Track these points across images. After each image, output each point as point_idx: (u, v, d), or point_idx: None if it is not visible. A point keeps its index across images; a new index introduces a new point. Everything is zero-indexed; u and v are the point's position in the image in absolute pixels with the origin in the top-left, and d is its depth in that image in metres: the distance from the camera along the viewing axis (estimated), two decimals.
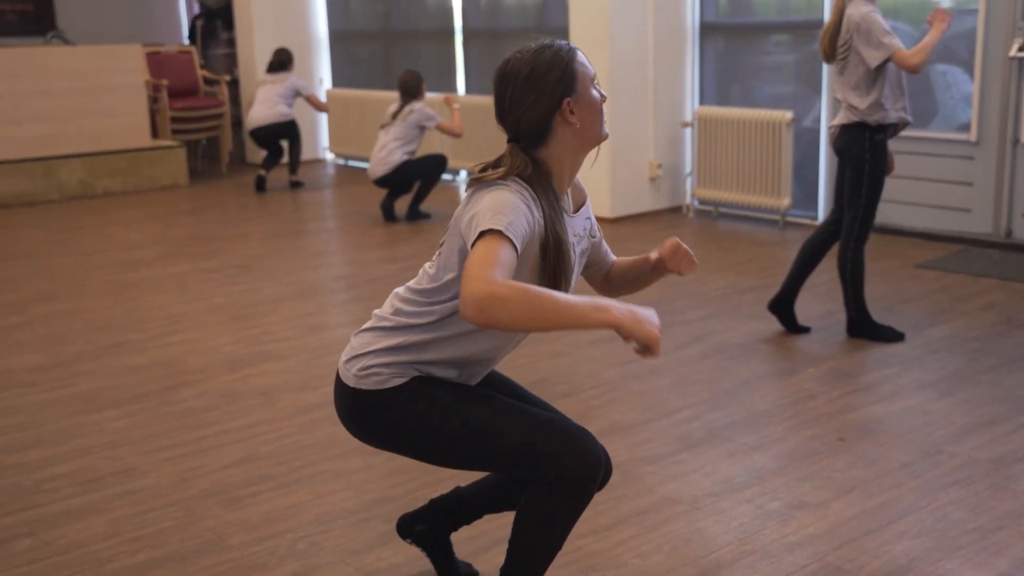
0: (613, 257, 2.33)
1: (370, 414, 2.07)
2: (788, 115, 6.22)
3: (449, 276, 2.01)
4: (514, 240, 1.81)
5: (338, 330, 4.65)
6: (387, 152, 6.85)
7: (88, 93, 8.08)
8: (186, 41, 10.76)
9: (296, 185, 8.33)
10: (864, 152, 4.10)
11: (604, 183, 6.62)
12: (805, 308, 4.64)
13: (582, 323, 1.74)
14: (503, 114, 2.01)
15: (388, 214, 6.95)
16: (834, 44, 4.14)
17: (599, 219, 6.64)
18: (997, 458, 3.09)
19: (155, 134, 8.77)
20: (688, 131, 6.87)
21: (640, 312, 1.78)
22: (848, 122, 4.13)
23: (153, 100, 8.77)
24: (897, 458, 3.11)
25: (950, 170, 5.83)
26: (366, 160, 9.23)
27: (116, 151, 8.20)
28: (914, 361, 3.99)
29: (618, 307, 1.76)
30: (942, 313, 4.59)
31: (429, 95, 7.31)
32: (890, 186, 5.93)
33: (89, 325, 4.75)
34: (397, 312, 2.08)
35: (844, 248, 4.23)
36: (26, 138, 7.84)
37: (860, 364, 4.00)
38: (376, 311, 2.14)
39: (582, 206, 2.15)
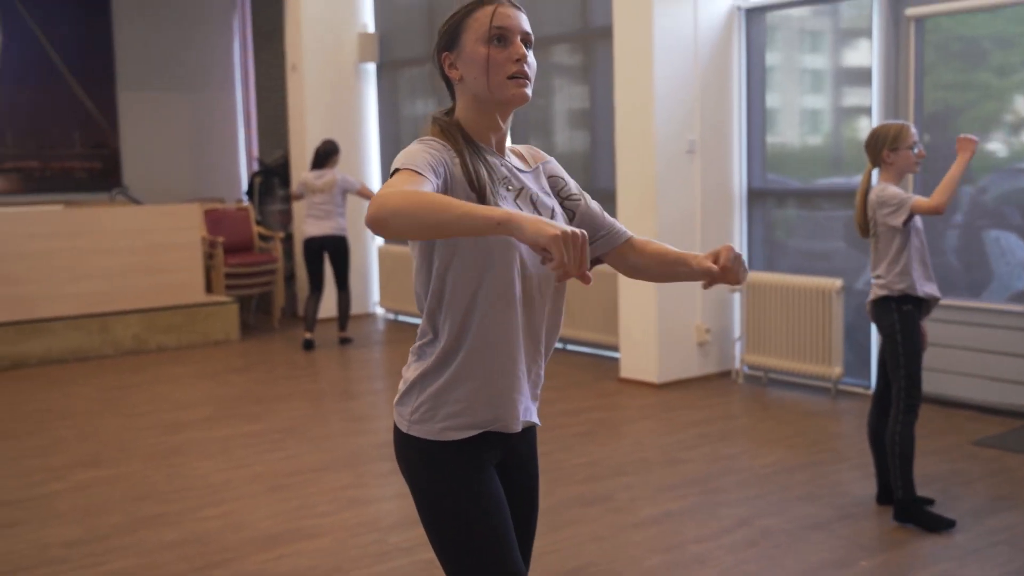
0: (627, 232, 2.16)
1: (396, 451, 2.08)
2: (838, 283, 6.16)
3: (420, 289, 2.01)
4: (415, 168, 1.79)
5: (375, 505, 4.57)
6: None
7: (147, 251, 8.28)
8: (244, 197, 11.05)
9: (345, 342, 8.36)
10: (894, 324, 4.09)
11: (651, 347, 6.56)
12: (859, 487, 4.49)
13: (470, 218, 1.62)
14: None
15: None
16: (866, 219, 4.18)
17: (645, 384, 6.58)
18: None
19: (209, 289, 8.93)
20: (737, 296, 6.82)
21: (544, 219, 1.62)
22: (876, 297, 4.15)
23: (209, 256, 8.96)
24: None
25: (1007, 342, 5.70)
26: (418, 316, 9.30)
27: (170, 307, 8.35)
28: (973, 555, 3.80)
29: (518, 212, 1.64)
30: (1003, 499, 4.40)
31: None
32: (946, 357, 5.82)
33: (128, 494, 4.73)
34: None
35: (893, 423, 4.13)
36: (84, 294, 8.02)
37: (915, 556, 3.83)
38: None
39: (538, 165, 2.11)
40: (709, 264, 2.00)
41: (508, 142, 2.08)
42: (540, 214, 2.00)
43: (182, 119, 11.46)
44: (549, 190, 2.09)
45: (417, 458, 1.99)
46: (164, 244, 8.38)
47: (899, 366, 4.10)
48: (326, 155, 8.10)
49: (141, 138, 11.14)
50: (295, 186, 8.26)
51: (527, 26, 1.97)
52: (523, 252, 1.92)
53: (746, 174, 6.87)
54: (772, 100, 6.83)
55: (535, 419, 2.07)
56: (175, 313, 8.36)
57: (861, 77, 6.38)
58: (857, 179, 6.35)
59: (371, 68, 9.78)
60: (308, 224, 8.08)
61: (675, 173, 6.54)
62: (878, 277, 4.13)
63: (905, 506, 4.11)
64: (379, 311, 9.91)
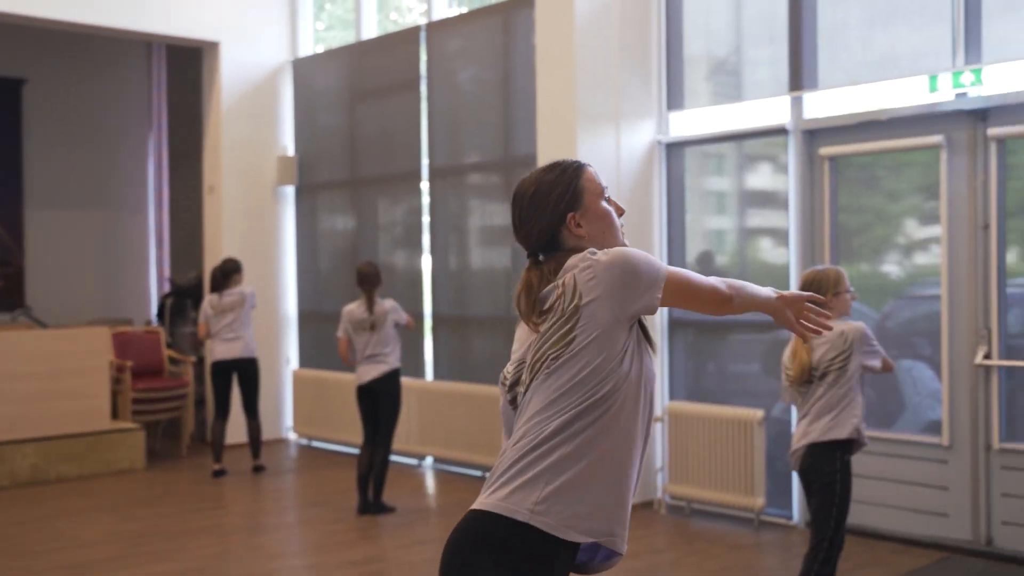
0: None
1: None
2: (759, 414, 6.19)
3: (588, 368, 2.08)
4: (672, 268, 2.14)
5: None
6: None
7: (51, 377, 7.96)
8: (154, 318, 10.78)
9: (259, 470, 8.08)
10: (836, 471, 4.10)
11: None
12: None
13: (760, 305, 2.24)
14: (516, 230, 2.23)
15: (364, 503, 6.68)
16: (811, 368, 4.20)
17: None
18: None
19: (115, 415, 8.60)
20: (659, 426, 6.81)
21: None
22: (818, 441, 4.16)
23: (116, 381, 8.66)
24: None
25: (924, 473, 5.77)
26: (332, 442, 9.09)
27: (73, 435, 8.00)
28: None
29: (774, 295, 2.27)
30: None
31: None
32: (868, 487, 5.85)
33: None
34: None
35: (807, 571, 4.11)
36: None
37: None
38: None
39: None
40: None
41: None
42: None
43: (91, 238, 11.21)
44: None
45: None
46: (70, 369, 8.06)
47: (831, 516, 4.10)
48: (226, 275, 7.89)
49: (48, 257, 10.85)
50: (201, 319, 7.94)
51: None
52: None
53: None
54: (692, 228, 6.95)
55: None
56: (77, 441, 8.00)
57: (778, 204, 6.54)
58: None
59: (290, 191, 9.74)
60: (217, 345, 7.87)
61: None
62: (823, 420, 4.14)
63: None
64: (292, 436, 9.66)
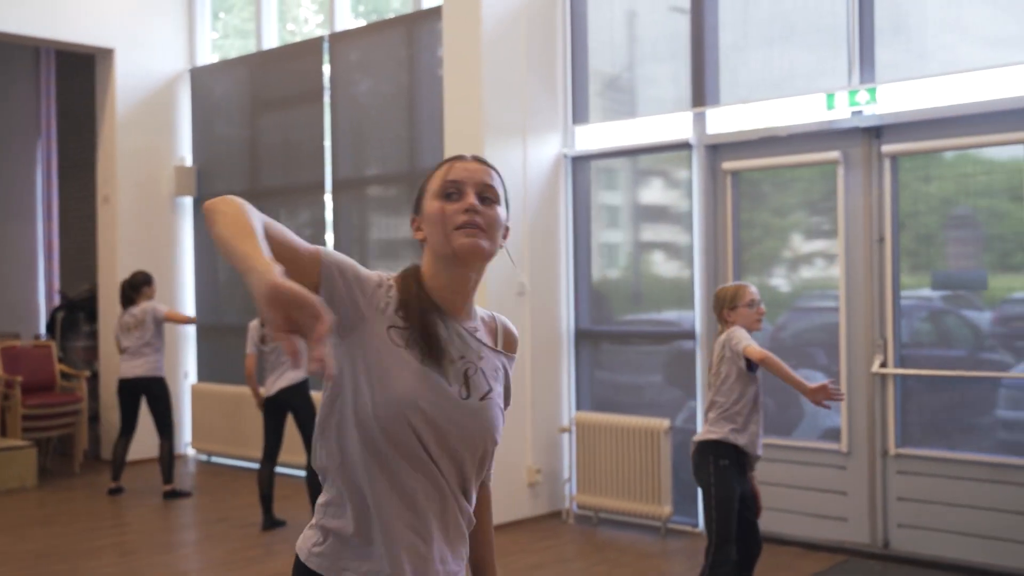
0: (489, 475, 2.04)
1: None
2: (665, 423, 6.31)
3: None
4: (323, 255, 1.79)
5: None
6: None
7: None
8: (43, 332, 10.43)
9: (172, 495, 7.61)
10: (709, 476, 4.29)
11: None
12: None
13: (241, 267, 1.56)
14: None
15: (269, 520, 6.57)
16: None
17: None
18: None
19: (3, 432, 8.30)
20: (566, 436, 6.88)
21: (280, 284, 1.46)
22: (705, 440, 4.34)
23: (4, 396, 8.35)
24: None
25: (824, 479, 5.95)
26: (232, 457, 8.92)
27: None
28: None
29: (273, 275, 1.48)
30: None
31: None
32: (770, 493, 6.01)
33: None
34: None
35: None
36: None
37: None
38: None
39: (504, 347, 2.04)
40: None
41: (490, 313, 2.05)
42: (471, 389, 1.91)
43: None
44: (492, 369, 1.98)
45: None
46: None
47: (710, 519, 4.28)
48: (134, 288, 7.61)
49: None
50: (116, 332, 7.68)
51: (490, 180, 1.94)
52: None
53: (574, 314, 7.01)
54: (597, 242, 7.05)
55: None
56: None
57: (681, 219, 6.68)
58: (670, 315, 6.65)
59: (188, 201, 9.55)
60: (123, 363, 7.59)
61: (506, 315, 6.58)
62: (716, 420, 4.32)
63: None
64: (190, 452, 9.45)
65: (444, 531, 1.87)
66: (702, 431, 4.38)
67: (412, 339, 1.85)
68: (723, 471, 4.24)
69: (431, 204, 1.92)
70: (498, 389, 1.97)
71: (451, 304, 1.93)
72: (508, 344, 2.06)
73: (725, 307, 4.38)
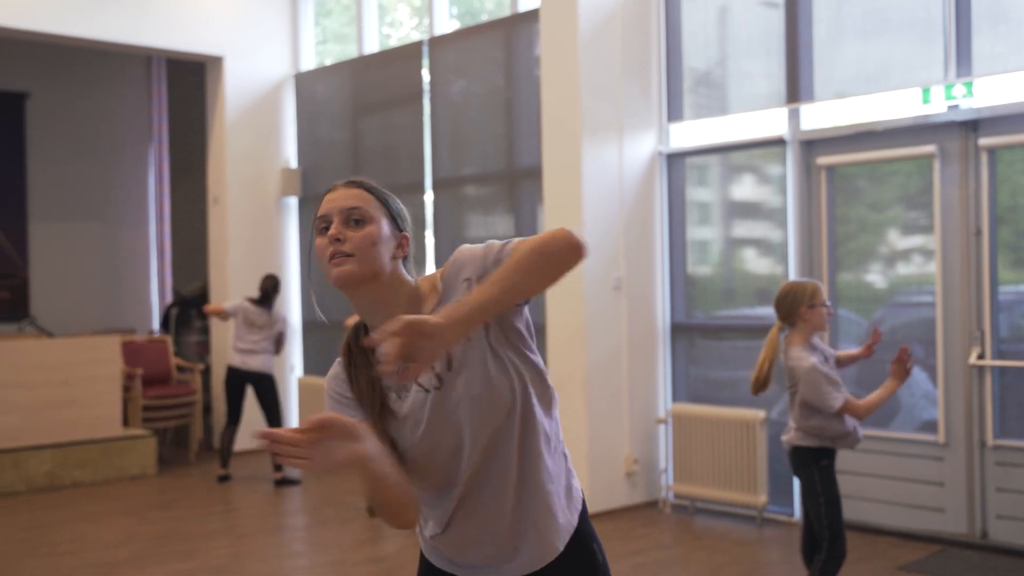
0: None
1: None
2: (761, 414, 6.41)
3: None
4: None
5: None
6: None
7: (64, 385, 8.11)
8: (157, 329, 10.93)
9: (284, 483, 8.03)
10: (813, 476, 4.30)
11: (582, 479, 6.68)
12: None
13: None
14: None
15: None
16: (768, 377, 4.34)
17: None
18: None
19: (126, 422, 8.76)
20: (663, 427, 7.02)
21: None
22: (796, 445, 4.34)
23: (126, 388, 8.81)
24: None
25: (921, 470, 5.99)
26: None
27: (87, 441, 8.15)
28: None
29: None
30: None
31: None
32: (867, 484, 6.08)
33: None
34: None
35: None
36: None
37: None
38: None
39: (453, 291, 1.99)
40: None
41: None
42: (447, 381, 1.99)
43: (93, 250, 11.36)
44: (479, 334, 2.00)
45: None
46: (82, 377, 8.21)
47: (820, 518, 4.29)
48: (275, 290, 8.02)
49: (51, 268, 10.99)
50: (227, 305, 8.08)
51: (354, 203, 1.97)
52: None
53: (669, 308, 7.15)
54: (692, 237, 7.17)
55: None
56: (91, 448, 8.16)
57: (773, 214, 6.77)
58: (766, 311, 6.71)
59: (293, 202, 9.93)
60: (235, 356, 7.98)
61: (603, 309, 6.78)
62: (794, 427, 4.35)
63: None
64: None
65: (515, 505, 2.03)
66: (794, 434, 4.33)
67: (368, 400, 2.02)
68: (825, 470, 4.27)
69: (315, 242, 2.00)
70: (476, 354, 1.98)
71: (384, 322, 1.83)
72: (454, 281, 2.01)
73: (803, 304, 4.27)
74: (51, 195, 11.02)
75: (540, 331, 7.04)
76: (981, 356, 5.75)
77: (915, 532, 5.97)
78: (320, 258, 1.96)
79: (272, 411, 8.07)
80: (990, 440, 5.72)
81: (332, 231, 1.94)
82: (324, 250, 1.96)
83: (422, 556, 2.17)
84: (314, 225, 2.00)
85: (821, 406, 4.20)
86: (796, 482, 6.36)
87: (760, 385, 4.32)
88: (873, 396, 4.26)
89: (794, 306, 4.30)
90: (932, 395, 6.03)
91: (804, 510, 4.45)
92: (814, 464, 4.27)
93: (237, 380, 8.03)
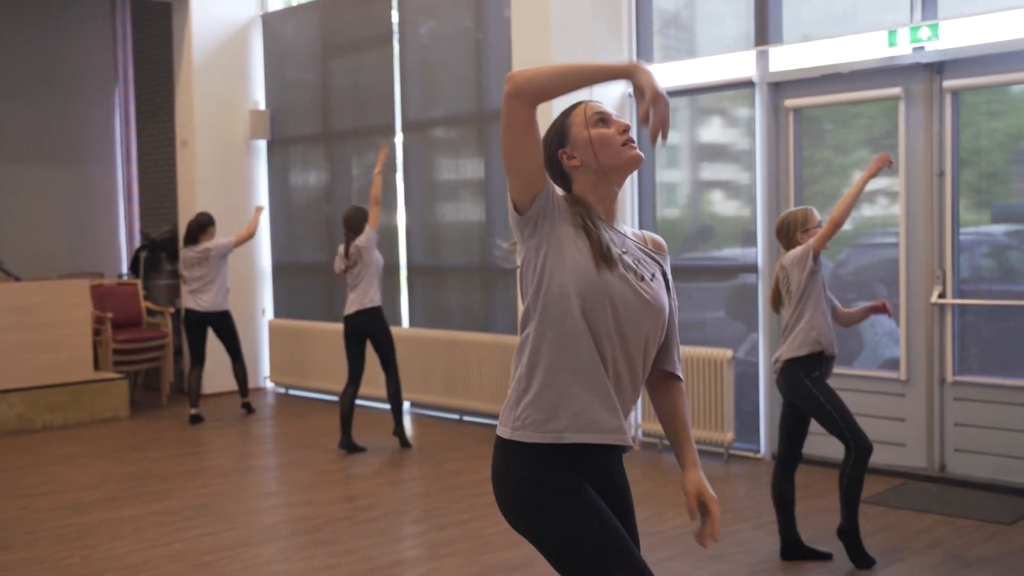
0: (677, 367, 2.45)
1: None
2: (728, 353, 6.53)
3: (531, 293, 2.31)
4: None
5: None
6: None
7: (34, 328, 8.10)
8: (125, 271, 10.89)
9: (248, 409, 8.49)
10: (810, 389, 4.49)
11: None
12: (762, 545, 4.78)
13: (605, 71, 2.23)
14: None
15: (350, 445, 7.01)
16: (780, 293, 4.59)
17: None
18: None
19: (97, 366, 8.77)
20: None
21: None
22: (786, 359, 4.54)
23: (96, 332, 8.81)
24: None
25: (883, 406, 6.15)
26: (309, 390, 9.33)
27: (57, 384, 8.16)
28: None
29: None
30: (895, 551, 4.76)
31: None
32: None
33: None
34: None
35: (841, 474, 4.54)
36: None
37: None
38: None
39: (655, 252, 2.44)
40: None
41: (636, 228, 2.46)
42: (644, 272, 2.33)
43: (60, 193, 11.23)
44: (650, 267, 2.38)
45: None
46: (52, 321, 8.21)
47: (835, 423, 4.47)
48: (199, 228, 8.21)
49: (16, 211, 10.87)
50: (181, 267, 8.33)
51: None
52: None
53: None
54: (661, 180, 7.24)
55: None
56: (62, 391, 8.17)
57: (741, 157, 6.84)
58: (734, 252, 6.83)
59: (262, 144, 9.87)
60: (188, 298, 8.26)
61: None
62: (786, 340, 4.54)
63: (852, 535, 4.54)
64: (269, 385, 9.88)
65: (619, 394, 2.30)
66: (784, 350, 4.55)
67: (588, 235, 2.28)
68: (818, 380, 4.49)
69: (584, 134, 2.33)
70: (658, 276, 2.39)
71: (609, 213, 2.37)
72: (658, 249, 2.47)
73: (798, 230, 4.56)
74: (13, 137, 10.87)
75: (502, 275, 7.11)
76: (942, 295, 5.88)
77: (877, 466, 6.13)
78: (608, 143, 2.32)
79: (230, 344, 8.39)
80: (950, 376, 5.88)
81: (622, 123, 2.36)
82: (615, 138, 2.33)
83: (547, 471, 2.27)
84: (586, 119, 2.35)
85: (805, 258, 4.44)
86: (763, 419, 6.52)
87: (776, 300, 4.65)
88: (844, 196, 4.47)
89: (791, 233, 4.61)
90: (895, 333, 6.17)
91: (785, 438, 4.64)
92: (807, 378, 4.48)
93: (195, 321, 8.22)
